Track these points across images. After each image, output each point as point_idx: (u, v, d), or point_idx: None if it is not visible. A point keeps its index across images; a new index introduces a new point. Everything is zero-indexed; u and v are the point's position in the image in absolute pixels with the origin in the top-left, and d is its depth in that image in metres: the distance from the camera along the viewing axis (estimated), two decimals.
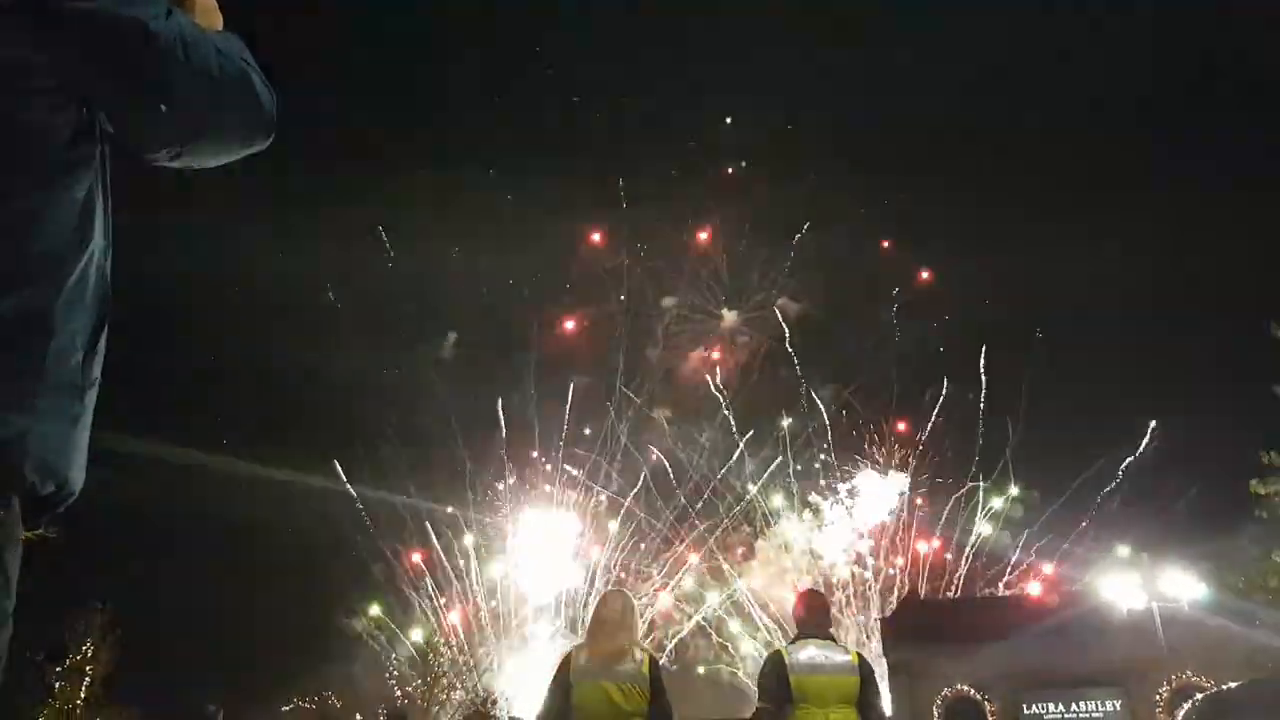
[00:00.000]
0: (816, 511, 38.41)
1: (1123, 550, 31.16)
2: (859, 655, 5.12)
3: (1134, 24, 46.65)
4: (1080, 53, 52.04)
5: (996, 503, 38.04)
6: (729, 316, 45.68)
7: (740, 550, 39.02)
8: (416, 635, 39.93)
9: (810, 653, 5.04)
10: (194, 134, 1.51)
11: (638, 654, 4.35)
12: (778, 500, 38.95)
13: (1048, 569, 37.76)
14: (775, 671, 4.99)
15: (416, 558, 40.74)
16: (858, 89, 51.41)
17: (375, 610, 42.50)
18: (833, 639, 5.22)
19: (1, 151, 1.34)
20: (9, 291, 1.30)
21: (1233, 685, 6.39)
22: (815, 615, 5.31)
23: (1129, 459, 37.79)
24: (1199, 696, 4.38)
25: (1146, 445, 38.16)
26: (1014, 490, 38.13)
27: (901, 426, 40.47)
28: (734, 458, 39.72)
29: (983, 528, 38.40)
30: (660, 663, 4.59)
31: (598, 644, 4.33)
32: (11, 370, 1.30)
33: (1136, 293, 43.03)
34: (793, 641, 5.22)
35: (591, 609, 4.82)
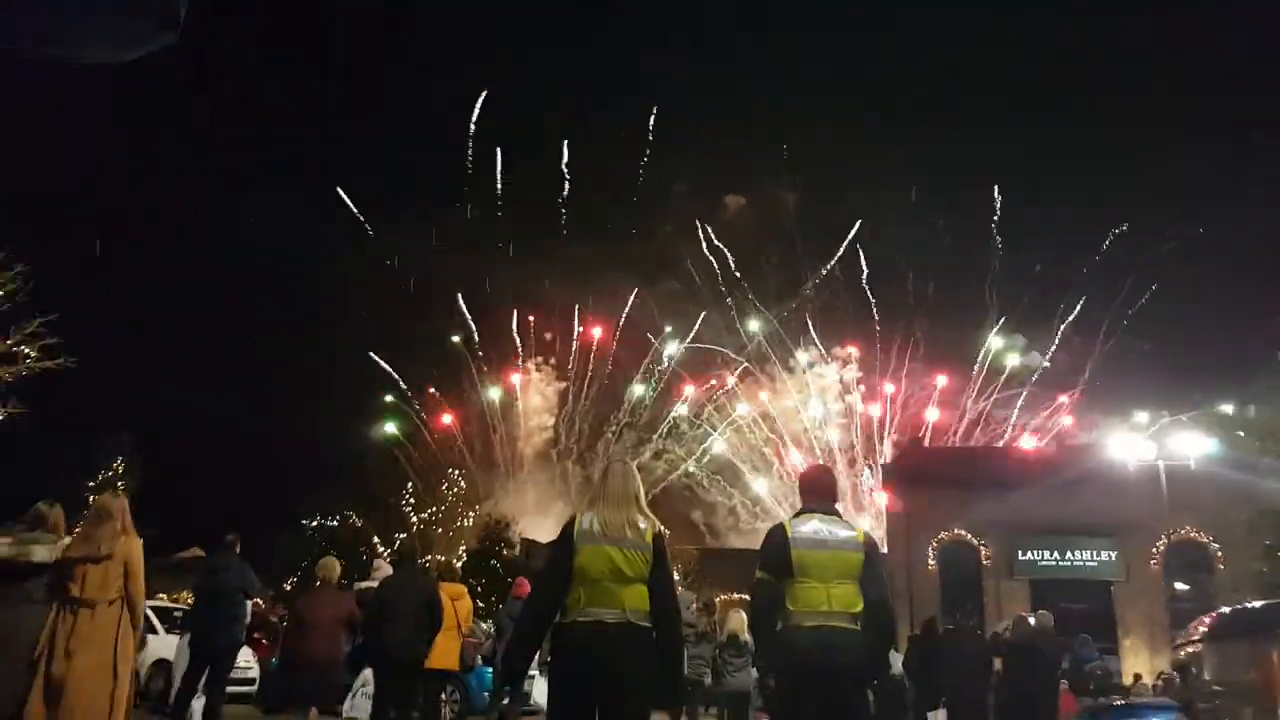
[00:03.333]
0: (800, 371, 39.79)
1: (1140, 413, 31.21)
2: (864, 533, 5.02)
3: None
4: None
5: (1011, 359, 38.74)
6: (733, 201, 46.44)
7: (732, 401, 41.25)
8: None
9: (814, 526, 4.94)
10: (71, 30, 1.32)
11: (641, 523, 4.28)
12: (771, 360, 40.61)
13: (1061, 423, 38.50)
14: (777, 544, 4.91)
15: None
16: None
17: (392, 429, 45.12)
18: (837, 514, 5.11)
19: None
20: None
21: (1257, 604, 6.30)
22: (820, 490, 5.18)
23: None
24: (1224, 609, 4.26)
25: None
26: (1018, 345, 38.82)
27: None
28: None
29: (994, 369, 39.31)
30: (663, 533, 4.51)
31: (602, 513, 4.26)
32: None
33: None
34: (796, 515, 5.12)
35: (595, 478, 4.73)
